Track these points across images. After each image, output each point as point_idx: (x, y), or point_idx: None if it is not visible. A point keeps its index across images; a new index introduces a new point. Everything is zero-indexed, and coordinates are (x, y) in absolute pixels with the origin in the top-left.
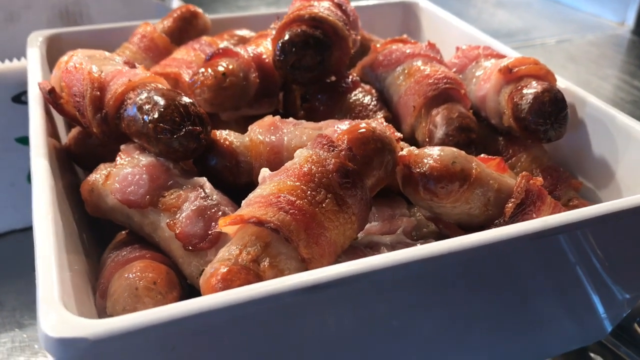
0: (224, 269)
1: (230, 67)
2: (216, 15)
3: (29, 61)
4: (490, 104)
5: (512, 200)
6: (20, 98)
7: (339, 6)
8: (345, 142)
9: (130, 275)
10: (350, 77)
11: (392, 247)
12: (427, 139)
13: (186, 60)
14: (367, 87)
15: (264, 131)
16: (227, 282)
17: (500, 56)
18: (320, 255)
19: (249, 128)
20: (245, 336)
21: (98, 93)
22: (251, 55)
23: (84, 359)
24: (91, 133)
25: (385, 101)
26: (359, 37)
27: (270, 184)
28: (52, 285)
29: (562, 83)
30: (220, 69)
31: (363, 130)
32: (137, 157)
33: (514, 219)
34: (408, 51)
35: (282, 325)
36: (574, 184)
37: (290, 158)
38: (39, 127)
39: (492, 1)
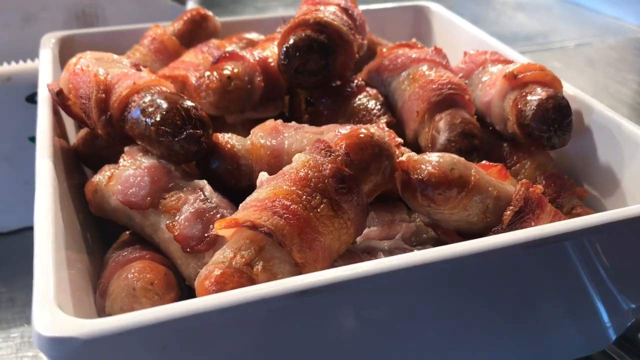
0: (217, 272)
1: (236, 70)
2: (226, 18)
3: (41, 62)
4: (495, 109)
5: (511, 208)
6: (33, 98)
7: (346, 10)
8: (343, 147)
9: (129, 276)
10: (356, 81)
11: (390, 252)
12: (429, 145)
13: (194, 63)
14: (373, 91)
15: (265, 135)
16: (220, 285)
17: (507, 61)
18: (314, 259)
19: (251, 131)
20: (236, 338)
21: (103, 95)
22: (257, 59)
23: (75, 358)
24: (97, 134)
25: (390, 106)
26: (365, 42)
27: (266, 188)
28: (47, 285)
29: (569, 90)
30: (226, 72)
31: (361, 135)
32: (139, 159)
33: (512, 226)
34: (414, 56)
35: (273, 328)
36: (578, 192)
37: (290, 162)
38: (46, 128)
39: (512, 4)
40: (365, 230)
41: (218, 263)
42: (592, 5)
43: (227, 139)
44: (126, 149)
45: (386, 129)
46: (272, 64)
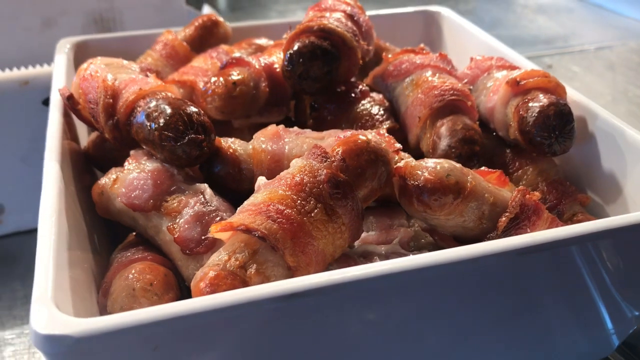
0: (212, 274)
1: (241, 76)
2: (237, 23)
3: (55, 67)
4: (498, 115)
5: (506, 214)
6: (49, 101)
7: (351, 17)
8: (340, 153)
9: (129, 276)
10: (360, 86)
11: (386, 257)
12: (431, 150)
13: (203, 69)
14: (379, 97)
15: (266, 140)
16: (214, 287)
17: (513, 67)
18: (306, 263)
19: (254, 136)
20: (227, 339)
21: (111, 100)
22: (262, 64)
23: (69, 355)
24: (105, 138)
25: (394, 111)
26: (371, 47)
27: (263, 193)
28: (46, 285)
29: (574, 96)
30: (231, 78)
31: (357, 141)
32: (143, 162)
33: (507, 233)
34: (417, 62)
35: (263, 330)
36: (580, 199)
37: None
38: (55, 131)
39: (533, 7)
40: (364, 235)
41: (213, 265)
42: (615, 7)
43: (230, 143)
44: (132, 152)
45: (386, 134)
46: (278, 70)
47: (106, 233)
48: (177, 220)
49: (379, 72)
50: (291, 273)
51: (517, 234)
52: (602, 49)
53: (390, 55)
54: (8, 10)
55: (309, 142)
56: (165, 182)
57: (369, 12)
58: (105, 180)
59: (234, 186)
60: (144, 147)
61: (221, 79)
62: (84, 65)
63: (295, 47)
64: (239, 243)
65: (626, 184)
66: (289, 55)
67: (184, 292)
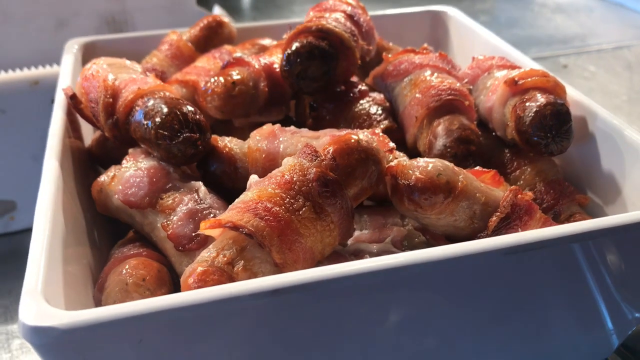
0: (200, 270)
1: (240, 76)
2: (242, 24)
3: (62, 67)
4: (496, 115)
5: (497, 214)
6: None
7: (351, 17)
8: (331, 152)
9: (123, 271)
10: (359, 86)
11: (378, 255)
12: (427, 150)
13: (205, 69)
14: (380, 96)
15: (262, 138)
16: (202, 282)
17: (514, 67)
18: (294, 260)
19: (250, 135)
20: (211, 334)
21: (111, 100)
22: (262, 64)
23: (55, 347)
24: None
25: (394, 111)
26: (372, 47)
27: (253, 191)
28: (37, 279)
29: (574, 95)
30: (231, 77)
31: (349, 141)
32: (140, 160)
33: (497, 232)
34: (417, 62)
35: (248, 325)
36: (579, 199)
37: None
38: (57, 130)
39: (551, 6)
40: (357, 233)
41: (202, 261)
42: (637, 6)
43: (226, 142)
44: (130, 150)
45: (381, 134)
46: (277, 70)
47: (108, 230)
48: (171, 217)
49: (379, 72)
50: (278, 270)
51: (507, 234)
52: (621, 48)
53: (390, 55)
54: (22, 12)
55: (303, 142)
56: (161, 180)
57: (376, 12)
58: (103, 178)
59: (230, 184)
60: (142, 145)
61: (221, 78)
62: (87, 66)
63: (293, 47)
64: (228, 240)
65: (625, 184)
66: (286, 55)
67: (179, 288)
